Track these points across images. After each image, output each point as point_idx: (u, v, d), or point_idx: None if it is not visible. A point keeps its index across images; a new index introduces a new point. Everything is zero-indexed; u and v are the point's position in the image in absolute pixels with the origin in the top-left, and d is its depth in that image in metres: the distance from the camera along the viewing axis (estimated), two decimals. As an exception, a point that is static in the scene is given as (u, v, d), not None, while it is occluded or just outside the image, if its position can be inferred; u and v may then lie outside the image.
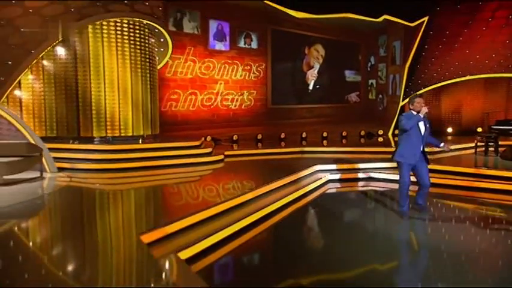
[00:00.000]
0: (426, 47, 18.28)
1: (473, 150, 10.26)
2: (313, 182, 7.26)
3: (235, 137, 13.70)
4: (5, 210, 4.96)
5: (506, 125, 9.47)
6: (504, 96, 19.25)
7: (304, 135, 15.24)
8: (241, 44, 14.99)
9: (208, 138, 12.58)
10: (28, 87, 9.55)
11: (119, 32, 9.69)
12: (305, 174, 7.66)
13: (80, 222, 4.68)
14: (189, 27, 13.70)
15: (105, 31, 9.55)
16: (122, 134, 9.89)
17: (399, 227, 5.26)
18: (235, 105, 15.09)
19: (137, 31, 10.01)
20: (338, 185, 7.92)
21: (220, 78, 14.67)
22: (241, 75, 15.12)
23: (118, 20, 9.65)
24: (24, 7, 8.98)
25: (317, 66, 16.89)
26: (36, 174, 6.90)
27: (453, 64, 18.14)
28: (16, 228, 4.35)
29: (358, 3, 16.85)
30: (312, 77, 16.71)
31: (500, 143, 9.71)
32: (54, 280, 2.91)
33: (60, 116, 9.57)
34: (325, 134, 15.53)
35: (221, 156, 9.41)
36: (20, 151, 6.52)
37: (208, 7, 13.98)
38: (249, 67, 15.26)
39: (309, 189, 6.97)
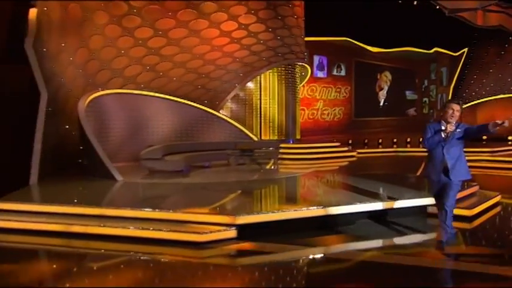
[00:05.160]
0: (466, 72, 23.26)
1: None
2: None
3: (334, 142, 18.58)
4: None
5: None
6: (528, 111, 23.93)
7: (380, 140, 20.09)
8: (334, 72, 20.08)
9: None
10: (227, 108, 14.57)
11: (286, 70, 14.74)
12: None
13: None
14: (300, 61, 18.76)
15: (278, 70, 14.61)
16: (285, 138, 14.85)
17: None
18: (330, 118, 20.11)
19: (295, 69, 15.06)
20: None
21: (320, 98, 19.71)
22: (334, 96, 20.17)
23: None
24: (233, 57, 14.00)
25: (386, 88, 21.97)
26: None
27: (488, 85, 23.04)
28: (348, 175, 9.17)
29: (416, 39, 21.85)
30: (382, 96, 21.79)
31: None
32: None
33: (248, 125, 14.51)
34: (395, 140, 20.37)
35: (355, 153, 14.31)
36: (273, 145, 11.46)
37: (313, 46, 19.03)
38: (339, 89, 20.32)
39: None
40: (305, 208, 5.16)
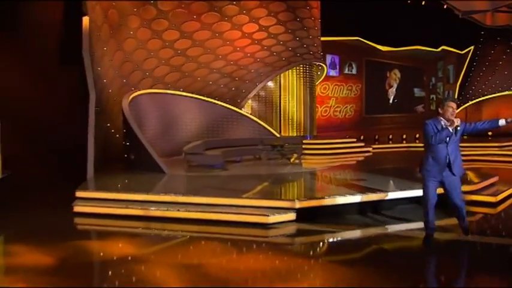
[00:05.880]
0: (473, 69, 23.87)
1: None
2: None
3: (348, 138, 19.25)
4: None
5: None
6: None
7: (390, 136, 20.78)
8: (346, 71, 20.74)
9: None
10: (248, 106, 15.23)
11: (304, 69, 15.40)
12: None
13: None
14: (314, 60, 19.39)
15: (297, 69, 15.26)
16: (303, 134, 15.53)
17: None
18: (342, 115, 20.79)
19: (312, 69, 15.73)
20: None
21: (333, 96, 20.38)
22: (345, 94, 20.84)
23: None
24: (254, 57, 14.65)
25: (395, 85, 22.66)
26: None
27: (494, 82, 23.67)
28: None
29: (424, 38, 22.45)
30: (391, 93, 22.48)
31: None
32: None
33: (269, 122, 15.15)
34: (404, 136, 21.06)
35: (371, 148, 14.98)
36: (297, 141, 12.13)
37: (326, 46, 19.64)
38: (350, 87, 20.99)
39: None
40: (356, 194, 5.85)
